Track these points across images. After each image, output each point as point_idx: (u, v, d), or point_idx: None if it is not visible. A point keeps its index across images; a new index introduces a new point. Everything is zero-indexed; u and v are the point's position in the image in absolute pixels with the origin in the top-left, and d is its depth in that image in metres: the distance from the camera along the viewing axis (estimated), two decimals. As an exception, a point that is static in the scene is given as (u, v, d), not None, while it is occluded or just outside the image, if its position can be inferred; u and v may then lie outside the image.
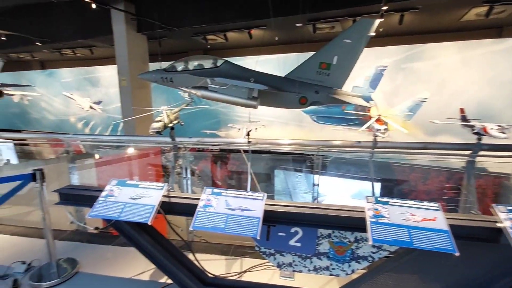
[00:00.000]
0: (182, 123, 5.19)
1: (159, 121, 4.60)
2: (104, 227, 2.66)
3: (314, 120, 10.82)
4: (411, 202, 1.50)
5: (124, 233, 2.04)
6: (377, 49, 8.80)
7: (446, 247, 1.35)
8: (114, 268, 2.51)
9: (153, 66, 9.02)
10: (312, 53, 4.94)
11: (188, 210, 1.72)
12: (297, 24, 7.72)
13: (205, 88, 4.96)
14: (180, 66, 6.18)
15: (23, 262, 2.51)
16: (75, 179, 3.17)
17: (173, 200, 1.76)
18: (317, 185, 2.97)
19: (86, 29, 9.04)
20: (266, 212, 1.66)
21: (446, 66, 8.56)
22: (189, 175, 2.87)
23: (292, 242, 1.83)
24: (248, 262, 2.57)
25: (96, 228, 2.73)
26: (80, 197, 2.09)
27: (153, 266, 2.47)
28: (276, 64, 10.37)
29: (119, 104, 14.86)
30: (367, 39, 4.59)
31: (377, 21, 4.46)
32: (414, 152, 2.35)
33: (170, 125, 4.71)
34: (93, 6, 6.51)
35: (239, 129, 10.75)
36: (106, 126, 14.81)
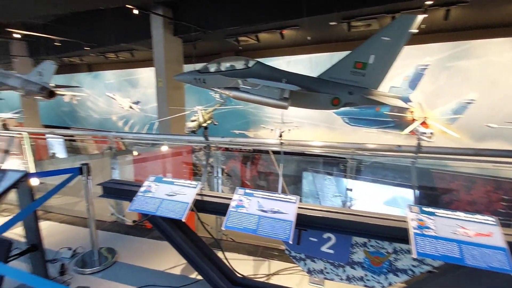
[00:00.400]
0: (216, 123, 5.31)
1: (194, 120, 4.73)
2: (140, 221, 2.81)
3: (346, 122, 10.45)
4: (462, 214, 1.35)
5: (159, 227, 2.12)
6: (418, 47, 8.24)
7: (503, 266, 1.21)
8: (148, 260, 2.63)
9: (187, 67, 9.39)
10: (347, 52, 4.77)
11: (220, 209, 1.74)
12: (331, 23, 7.52)
13: (237, 88, 5.02)
14: (212, 68, 6.34)
15: (69, 249, 2.73)
16: (116, 174, 3.40)
17: (205, 198, 1.79)
18: (350, 190, 2.85)
19: (128, 33, 9.69)
20: (298, 216, 1.62)
21: (498, 65, 7.74)
22: (219, 174, 2.92)
23: (324, 249, 1.77)
24: (276, 264, 2.54)
25: (134, 222, 2.89)
26: (120, 191, 2.23)
27: (184, 261, 2.55)
28: (308, 64, 10.21)
29: (155, 104, 15.69)
30: (408, 37, 4.31)
31: (420, 17, 4.16)
32: (464, 159, 2.13)
33: (204, 124, 4.83)
34: (135, 12, 6.93)
35: (272, 130, 10.76)
36: (143, 124, 15.73)
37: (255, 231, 1.47)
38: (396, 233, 1.46)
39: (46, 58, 12.88)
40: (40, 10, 6.50)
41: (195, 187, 1.65)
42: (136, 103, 15.66)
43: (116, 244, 2.85)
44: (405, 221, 1.41)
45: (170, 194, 1.65)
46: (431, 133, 7.81)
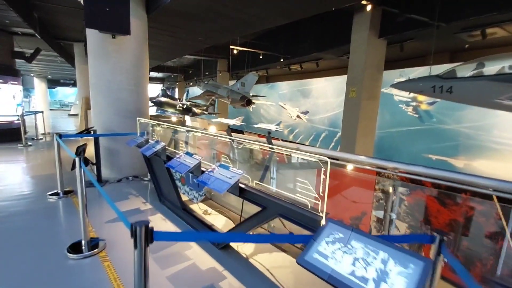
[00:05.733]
0: None
1: None
2: None
3: None
4: None
5: None
6: None
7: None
8: None
9: (387, 74, 7.79)
10: None
11: None
12: None
13: None
14: (466, 71, 4.42)
15: None
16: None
17: None
18: None
19: (322, 41, 9.28)
20: None
21: None
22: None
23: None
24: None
25: None
26: None
27: None
28: None
29: (325, 115, 15.01)
30: None
31: None
32: None
33: None
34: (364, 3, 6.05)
35: None
36: (309, 135, 15.56)
37: None
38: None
39: (239, 72, 15.11)
40: (261, 25, 6.89)
41: None
42: (305, 113, 15.68)
43: None
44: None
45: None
46: None
